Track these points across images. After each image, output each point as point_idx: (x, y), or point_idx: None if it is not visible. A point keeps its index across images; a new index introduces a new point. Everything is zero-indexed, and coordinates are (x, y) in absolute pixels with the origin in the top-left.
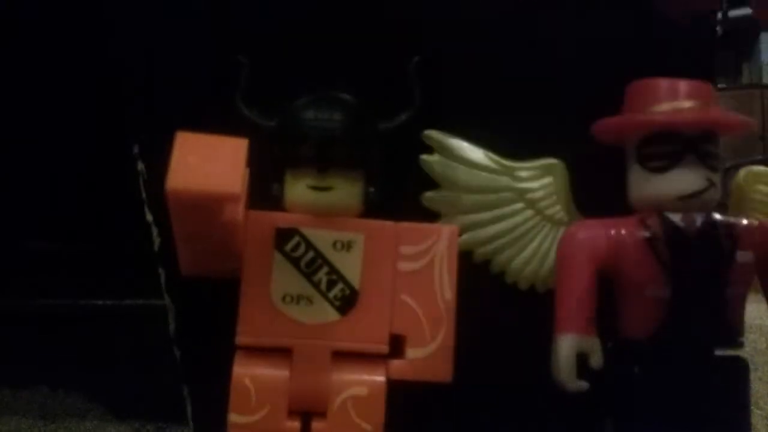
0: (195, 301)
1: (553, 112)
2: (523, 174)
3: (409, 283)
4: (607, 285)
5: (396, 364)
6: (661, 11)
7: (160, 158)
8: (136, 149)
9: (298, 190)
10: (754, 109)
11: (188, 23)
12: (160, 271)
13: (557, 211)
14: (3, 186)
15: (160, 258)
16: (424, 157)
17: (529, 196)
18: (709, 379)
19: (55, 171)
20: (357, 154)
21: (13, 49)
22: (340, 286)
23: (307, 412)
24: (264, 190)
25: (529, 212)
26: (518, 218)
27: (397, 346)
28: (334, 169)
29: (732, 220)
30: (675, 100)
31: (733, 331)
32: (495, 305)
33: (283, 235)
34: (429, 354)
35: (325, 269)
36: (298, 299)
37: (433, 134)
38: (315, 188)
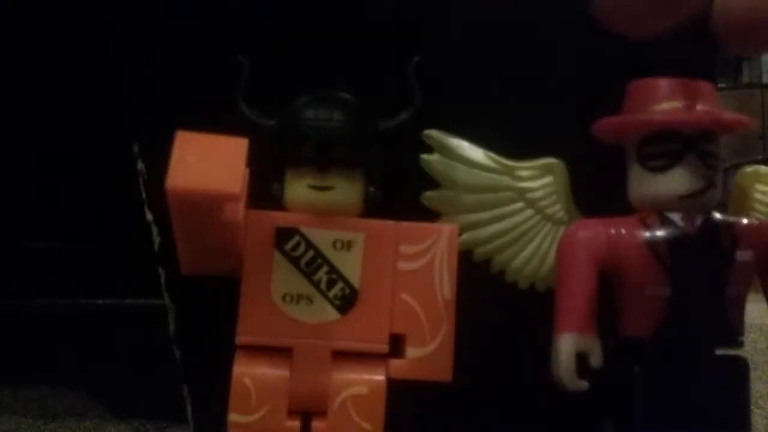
0: (195, 301)
1: (553, 112)
2: (523, 173)
3: (409, 283)
4: (608, 284)
5: (396, 363)
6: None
7: (160, 158)
8: (136, 149)
9: (298, 189)
10: (754, 109)
11: (188, 23)
12: (160, 270)
13: (557, 210)
14: (3, 186)
15: (160, 258)
16: (424, 156)
17: (529, 195)
18: (709, 378)
19: (55, 171)
20: (357, 154)
21: (13, 49)
22: (340, 285)
23: (307, 412)
24: (264, 189)
25: (529, 212)
26: (518, 218)
27: (397, 345)
28: (334, 169)
29: (732, 219)
30: (675, 99)
31: (733, 330)
32: (495, 304)
33: (283, 235)
34: (429, 353)
35: (325, 268)
36: (298, 299)
37: (433, 134)
38: (315, 188)
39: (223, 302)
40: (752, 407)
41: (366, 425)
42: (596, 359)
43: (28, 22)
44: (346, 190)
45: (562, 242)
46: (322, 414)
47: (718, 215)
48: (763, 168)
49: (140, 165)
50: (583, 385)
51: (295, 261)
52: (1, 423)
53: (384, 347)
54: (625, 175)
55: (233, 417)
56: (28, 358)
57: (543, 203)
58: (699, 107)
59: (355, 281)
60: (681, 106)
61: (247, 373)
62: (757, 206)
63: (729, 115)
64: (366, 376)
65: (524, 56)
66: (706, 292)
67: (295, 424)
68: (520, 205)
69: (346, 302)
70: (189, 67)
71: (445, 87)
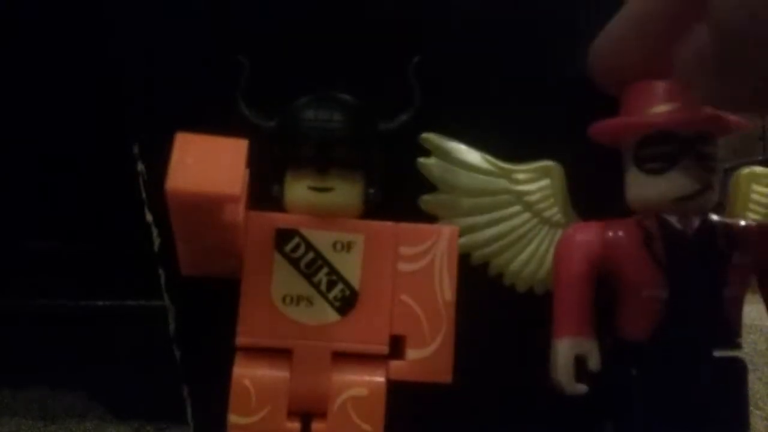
0: (195, 302)
1: (550, 114)
2: (521, 176)
3: (409, 284)
4: (605, 287)
5: (396, 364)
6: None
7: (160, 158)
8: (136, 149)
9: (298, 190)
10: None
11: (188, 23)
12: (160, 271)
13: (555, 213)
14: (3, 186)
15: (160, 258)
16: (422, 160)
17: (527, 198)
18: (708, 380)
19: (55, 171)
20: (357, 155)
21: (13, 49)
22: (340, 286)
23: (307, 413)
24: (264, 190)
25: (526, 215)
26: (516, 221)
27: (397, 346)
28: (335, 170)
29: (730, 221)
30: (672, 101)
31: (731, 332)
32: (494, 306)
33: (283, 236)
34: (429, 355)
35: (325, 270)
36: (298, 300)
37: (431, 137)
38: (315, 189)
39: (223, 303)
40: (752, 408)
41: (366, 426)
42: (594, 362)
43: (28, 22)
44: (346, 192)
45: (559, 245)
46: (322, 415)
47: (715, 217)
48: (759, 169)
49: (140, 166)
50: (582, 388)
51: (295, 262)
52: (1, 424)
53: (384, 348)
54: (623, 177)
55: (233, 418)
56: (28, 358)
57: (540, 206)
58: (695, 109)
59: (355, 283)
60: (678, 108)
61: (247, 374)
62: (755, 207)
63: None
64: (366, 378)
65: (523, 58)
66: (704, 294)
67: (295, 425)
68: (517, 208)
69: (346, 303)
70: (189, 67)
71: (443, 89)
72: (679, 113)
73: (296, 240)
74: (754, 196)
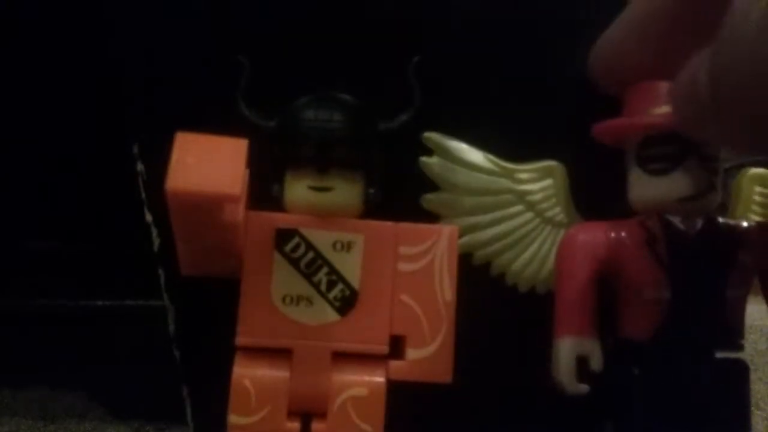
0: (195, 302)
1: (553, 114)
2: (523, 176)
3: (409, 284)
4: (608, 287)
5: (396, 364)
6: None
7: (160, 158)
8: (136, 149)
9: (298, 190)
10: None
11: (188, 23)
12: (160, 271)
13: (557, 213)
14: (3, 186)
15: (160, 258)
16: (423, 159)
17: (529, 198)
18: (709, 380)
19: (55, 171)
20: (357, 155)
21: (12, 49)
22: (340, 286)
23: (307, 413)
24: (264, 190)
25: (528, 214)
26: (518, 220)
27: (397, 346)
28: (334, 170)
29: (732, 221)
30: None
31: (733, 333)
32: (495, 306)
33: (283, 236)
34: (429, 355)
35: (325, 270)
36: (298, 300)
37: (433, 136)
38: (315, 189)
39: (223, 303)
40: (753, 409)
41: (366, 426)
42: (596, 362)
43: (28, 22)
44: (346, 192)
45: (561, 245)
46: (322, 415)
47: (719, 217)
48: (762, 171)
49: (140, 165)
50: (583, 388)
51: (295, 262)
52: (1, 424)
53: (384, 348)
54: (625, 177)
55: (233, 418)
56: (28, 358)
57: (543, 206)
58: None
59: (355, 282)
60: None
61: (247, 374)
62: (757, 208)
63: None
64: (366, 378)
65: (524, 57)
66: (706, 295)
67: (295, 425)
68: (519, 207)
69: (346, 303)
70: (189, 67)
71: (445, 88)
72: None
73: (296, 240)
74: (757, 198)
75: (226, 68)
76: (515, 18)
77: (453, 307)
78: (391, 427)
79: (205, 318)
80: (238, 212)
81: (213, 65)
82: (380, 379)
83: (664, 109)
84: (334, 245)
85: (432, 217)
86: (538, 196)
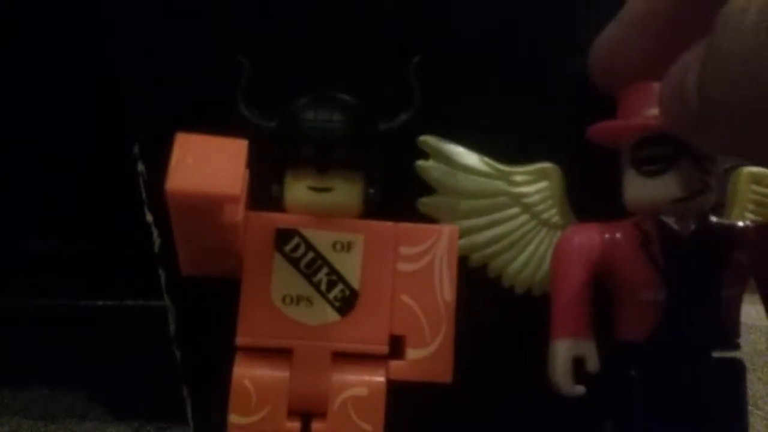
0: (195, 302)
1: (549, 115)
2: (519, 178)
3: (409, 284)
4: (603, 288)
5: (396, 364)
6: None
7: (160, 158)
8: (136, 149)
9: (298, 190)
10: None
11: (188, 23)
12: (161, 271)
13: (553, 215)
14: (3, 186)
15: (160, 258)
16: (420, 162)
17: (525, 200)
18: (706, 380)
19: (55, 171)
20: (357, 155)
21: (12, 49)
22: (340, 286)
23: (307, 413)
24: (264, 190)
25: (524, 217)
26: (514, 223)
27: (397, 346)
28: (334, 170)
29: (728, 222)
30: None
31: (729, 332)
32: (494, 307)
33: (283, 236)
34: (429, 354)
35: (325, 270)
36: (298, 300)
37: (429, 140)
38: (315, 189)
39: (223, 303)
40: (751, 408)
41: (366, 426)
42: (592, 364)
43: (28, 21)
44: (346, 192)
45: (557, 247)
46: (322, 415)
47: (713, 218)
48: (759, 169)
49: (140, 166)
50: (580, 390)
51: (295, 262)
52: (2, 424)
53: (384, 348)
54: (621, 179)
55: (233, 418)
56: (28, 358)
57: (538, 208)
58: None
59: (355, 283)
60: None
61: (247, 374)
62: (754, 208)
63: None
64: (366, 378)
65: (522, 58)
66: (702, 295)
67: (295, 425)
68: (515, 210)
69: (346, 304)
70: (189, 67)
71: (442, 90)
72: None
73: (296, 240)
74: (754, 197)
75: (226, 68)
76: (514, 19)
77: (453, 307)
78: (391, 427)
79: (206, 318)
80: (238, 212)
81: (213, 65)
82: (380, 378)
83: (657, 111)
84: (334, 245)
85: (431, 218)
86: (534, 199)
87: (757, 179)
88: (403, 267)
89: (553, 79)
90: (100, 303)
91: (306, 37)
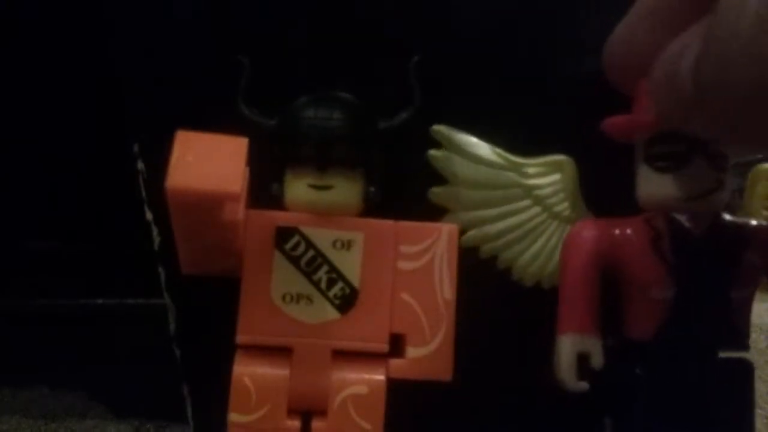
0: (195, 300)
1: (563, 108)
2: (531, 170)
3: (409, 282)
4: (611, 285)
5: (396, 363)
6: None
7: (160, 158)
8: (136, 149)
9: (298, 189)
10: None
11: (188, 23)
12: (160, 270)
13: (565, 208)
14: (3, 186)
15: (160, 257)
16: (432, 152)
17: (537, 192)
18: (713, 380)
19: (55, 171)
20: (357, 153)
21: (12, 49)
22: (340, 285)
23: (307, 411)
24: (264, 189)
25: (536, 209)
26: (525, 215)
27: (397, 345)
28: (334, 168)
29: (740, 220)
30: None
31: (738, 332)
32: (497, 304)
33: (283, 234)
34: (429, 353)
35: (325, 268)
36: (298, 298)
37: (441, 129)
38: (315, 187)
39: (223, 302)
40: None
41: (366, 425)
42: (597, 360)
43: (28, 21)
44: (346, 190)
45: (566, 241)
46: (322, 413)
47: (726, 216)
48: None
49: (140, 165)
50: (584, 386)
51: (295, 260)
52: (1, 423)
53: (384, 347)
54: (634, 173)
55: (233, 417)
56: (28, 358)
57: (550, 201)
58: None
59: (355, 281)
60: None
61: (247, 372)
62: (766, 205)
63: None
64: (366, 376)
65: (534, 52)
66: (711, 294)
67: (295, 423)
68: (527, 202)
69: (346, 302)
70: (189, 67)
71: (453, 82)
72: None
73: (296, 238)
74: (766, 193)
75: (226, 68)
76: (514, 19)
77: (453, 305)
78: (390, 425)
79: (206, 316)
80: (238, 210)
81: (213, 65)
82: (380, 377)
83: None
84: (334, 243)
85: (432, 215)
86: (546, 191)
87: None
88: (403, 265)
89: (553, 79)
90: (100, 302)
91: (306, 37)
